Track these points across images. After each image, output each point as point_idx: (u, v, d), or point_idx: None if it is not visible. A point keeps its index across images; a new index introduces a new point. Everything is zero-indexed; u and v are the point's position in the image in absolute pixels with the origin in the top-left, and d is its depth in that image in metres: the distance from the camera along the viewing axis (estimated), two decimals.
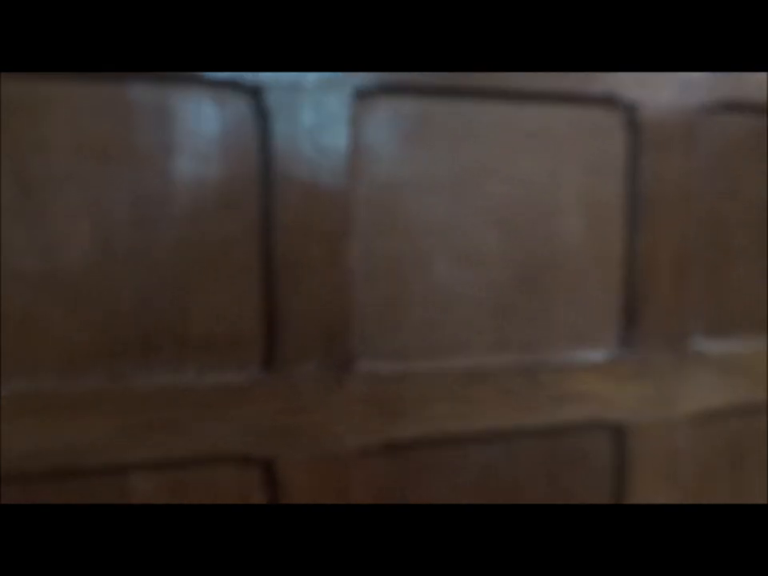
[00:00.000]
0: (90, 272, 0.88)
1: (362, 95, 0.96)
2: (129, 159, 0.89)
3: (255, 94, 0.92)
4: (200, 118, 0.91)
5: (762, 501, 1.22)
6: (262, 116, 0.93)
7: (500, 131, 1.03)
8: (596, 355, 1.11)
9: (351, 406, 0.97)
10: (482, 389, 1.03)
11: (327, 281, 0.95)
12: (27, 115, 0.85)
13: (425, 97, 0.99)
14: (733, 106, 1.11)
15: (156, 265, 0.91)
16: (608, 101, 1.06)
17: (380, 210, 0.99)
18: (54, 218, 0.87)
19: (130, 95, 0.88)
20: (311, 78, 0.92)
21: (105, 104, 0.87)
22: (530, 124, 1.04)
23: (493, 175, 1.03)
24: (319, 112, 0.93)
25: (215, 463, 0.95)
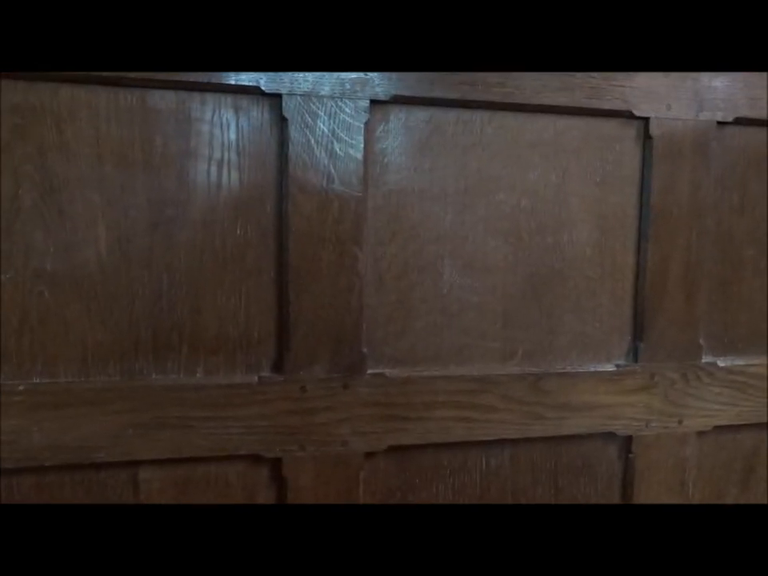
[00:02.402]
0: (108, 273, 0.91)
1: (376, 105, 0.98)
2: (147, 164, 0.92)
3: (273, 101, 0.95)
4: (218, 124, 0.94)
5: None
6: (278, 123, 0.95)
7: (509, 142, 1.04)
8: (603, 366, 1.11)
9: (357, 409, 0.99)
10: (487, 396, 1.04)
11: (337, 286, 0.97)
12: (49, 120, 0.88)
13: (436, 108, 1.00)
14: (744, 121, 1.11)
15: (171, 267, 0.94)
16: (620, 114, 1.07)
17: (390, 217, 1.01)
18: (73, 220, 0.90)
19: (150, 101, 0.91)
20: (327, 87, 0.94)
21: (125, 110, 0.90)
22: (540, 136, 1.05)
23: (501, 185, 1.04)
24: (334, 120, 0.95)
25: (223, 461, 0.97)
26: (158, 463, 0.94)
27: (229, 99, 0.94)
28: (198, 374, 0.96)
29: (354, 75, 0.95)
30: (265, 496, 0.99)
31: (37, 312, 0.90)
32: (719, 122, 1.10)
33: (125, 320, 0.92)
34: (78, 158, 0.89)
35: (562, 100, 1.03)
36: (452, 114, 1.02)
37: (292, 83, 0.93)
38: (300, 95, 0.94)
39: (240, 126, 0.94)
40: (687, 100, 1.08)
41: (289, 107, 0.94)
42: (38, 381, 0.90)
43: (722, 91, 1.10)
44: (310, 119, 0.94)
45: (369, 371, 1.00)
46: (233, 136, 0.94)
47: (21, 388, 0.88)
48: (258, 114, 0.95)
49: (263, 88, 0.93)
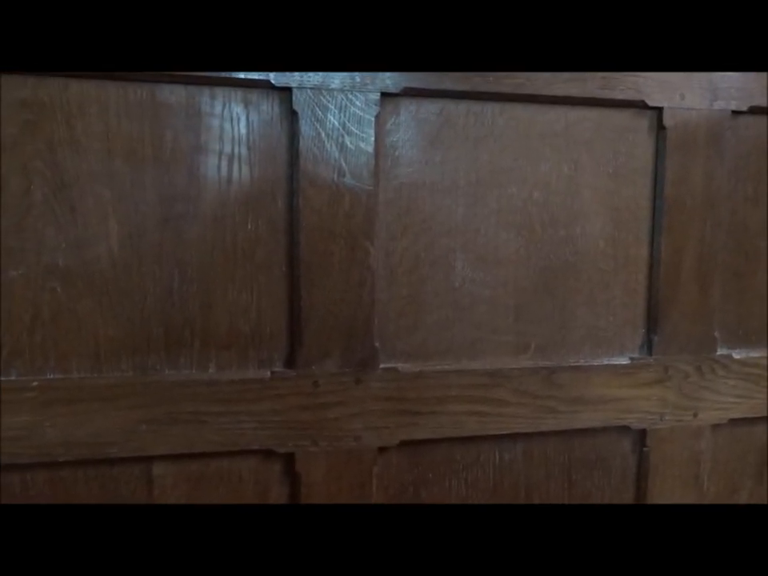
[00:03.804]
0: (119, 268, 0.91)
1: (387, 98, 0.97)
2: (158, 159, 0.91)
3: (283, 95, 0.94)
4: (228, 118, 0.93)
5: None
6: (289, 117, 0.95)
7: (521, 134, 1.03)
8: (617, 359, 1.10)
9: (369, 403, 0.99)
10: (499, 390, 1.04)
11: (349, 280, 0.97)
12: (59, 116, 0.88)
13: (447, 100, 1.00)
14: (759, 110, 1.09)
15: (182, 262, 0.93)
16: (633, 104, 1.06)
17: (401, 210, 1.00)
18: (84, 215, 0.90)
19: (159, 96, 0.91)
20: (337, 80, 0.94)
21: (135, 105, 0.90)
22: (551, 127, 1.04)
23: (513, 177, 1.03)
24: (345, 114, 0.95)
25: (236, 456, 0.97)
26: (171, 458, 0.94)
27: (239, 93, 0.93)
28: (210, 370, 0.95)
29: None
30: (277, 491, 0.99)
31: (49, 308, 0.90)
32: (734, 112, 1.09)
33: (137, 315, 0.92)
34: (88, 154, 0.89)
35: (573, 91, 1.02)
36: (463, 106, 1.01)
37: (302, 77, 0.93)
38: (310, 89, 0.93)
39: (250, 120, 0.94)
40: (701, 89, 1.07)
41: (299, 101, 0.93)
42: (51, 376, 0.90)
43: (736, 80, 1.08)
44: (320, 113, 0.94)
45: (381, 366, 1.00)
46: (243, 130, 0.94)
47: (34, 384, 0.89)
48: (268, 107, 0.94)
49: (273, 82, 0.92)
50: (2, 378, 0.89)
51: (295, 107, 0.93)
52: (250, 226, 0.95)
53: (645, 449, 1.12)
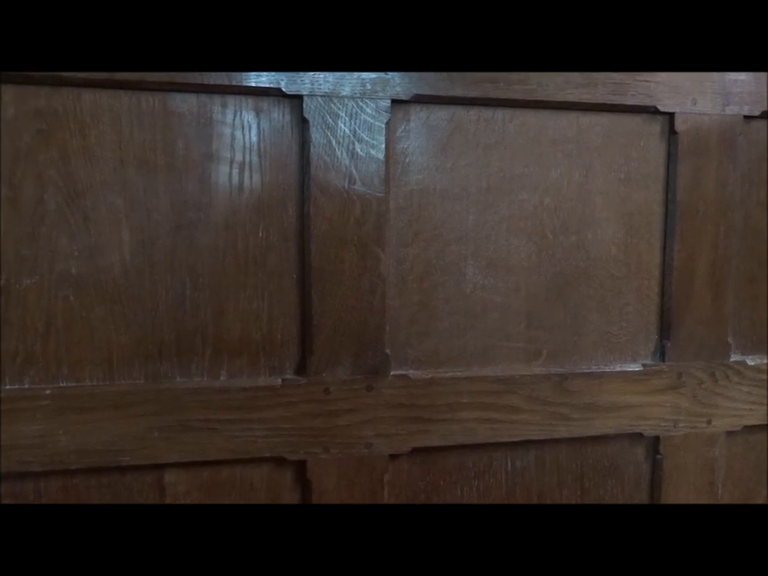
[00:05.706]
0: (131, 276, 0.92)
1: (397, 105, 0.97)
2: (170, 167, 0.92)
3: (294, 102, 0.94)
4: (239, 126, 0.94)
5: None
6: (299, 124, 0.95)
7: (532, 140, 1.03)
8: (630, 366, 1.10)
9: (381, 410, 0.98)
10: (511, 397, 1.03)
11: (360, 287, 0.97)
12: (72, 125, 0.88)
13: (457, 106, 1.00)
14: None
15: (194, 270, 0.94)
16: (645, 109, 1.05)
17: (412, 217, 1.00)
18: (97, 224, 0.90)
19: (171, 105, 0.91)
20: (348, 87, 0.94)
21: (147, 113, 0.91)
22: (562, 133, 1.04)
23: (524, 184, 1.03)
24: (355, 121, 0.95)
25: (248, 464, 0.97)
26: (183, 466, 0.94)
27: (250, 101, 0.94)
28: (221, 377, 0.96)
29: (374, 75, 0.94)
30: (289, 499, 0.99)
31: (62, 316, 0.90)
32: (746, 116, 1.08)
33: (148, 323, 0.93)
34: (101, 163, 0.90)
35: (585, 96, 1.02)
36: (473, 113, 1.01)
37: (313, 84, 0.93)
38: (321, 96, 0.93)
39: (261, 127, 0.94)
40: (713, 94, 1.06)
41: (310, 108, 0.93)
42: (63, 384, 0.91)
43: (748, 85, 1.08)
44: (330, 120, 0.94)
45: (392, 373, 1.00)
46: (254, 138, 0.94)
47: (47, 392, 0.89)
48: (279, 115, 0.95)
49: (284, 89, 0.92)
50: (16, 386, 0.89)
51: (306, 115, 0.93)
52: (261, 234, 0.95)
53: (658, 456, 1.11)
